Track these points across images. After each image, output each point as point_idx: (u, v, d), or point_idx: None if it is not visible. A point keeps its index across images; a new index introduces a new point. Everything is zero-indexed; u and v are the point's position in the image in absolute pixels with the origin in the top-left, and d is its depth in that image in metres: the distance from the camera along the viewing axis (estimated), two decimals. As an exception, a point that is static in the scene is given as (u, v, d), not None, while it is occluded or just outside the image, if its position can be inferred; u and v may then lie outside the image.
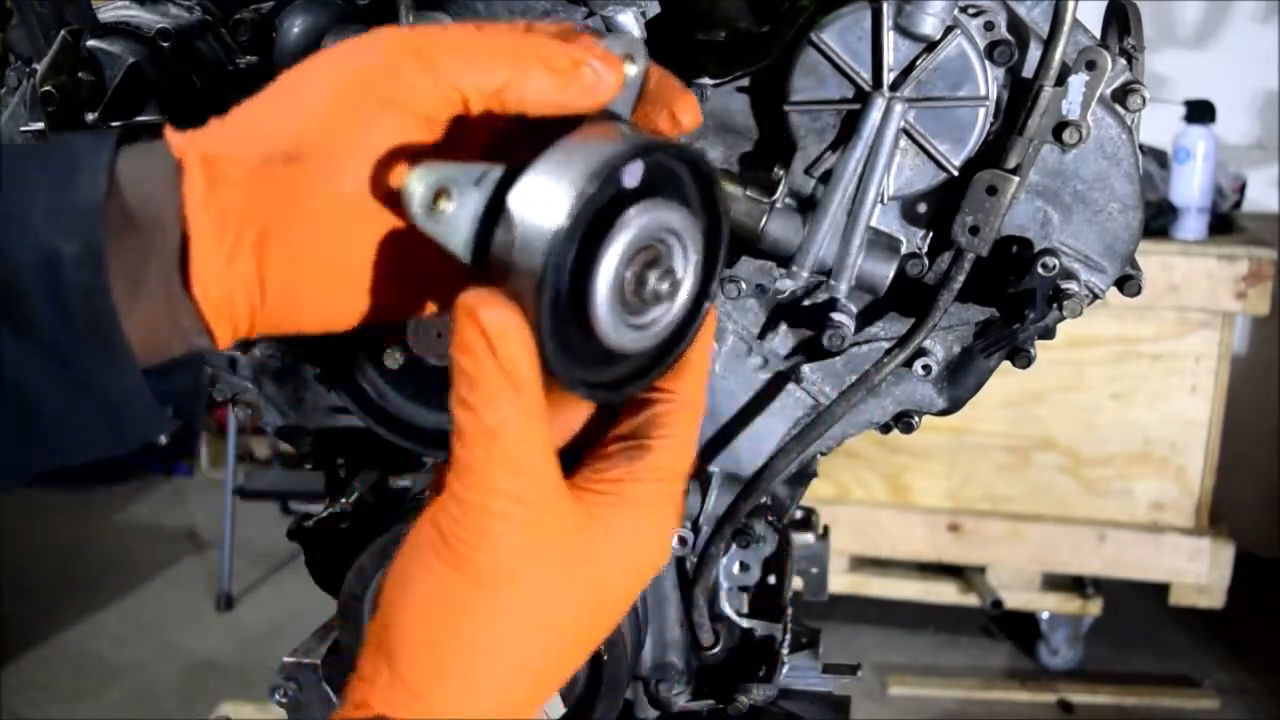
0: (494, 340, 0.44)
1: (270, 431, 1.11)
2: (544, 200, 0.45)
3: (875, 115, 0.86)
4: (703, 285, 0.51)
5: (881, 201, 0.88)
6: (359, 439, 1.10)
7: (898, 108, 0.86)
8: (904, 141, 0.88)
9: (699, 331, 0.52)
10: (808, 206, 0.92)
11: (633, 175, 0.47)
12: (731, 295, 0.96)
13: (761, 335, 0.98)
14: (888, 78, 0.86)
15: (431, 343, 0.97)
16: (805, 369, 0.96)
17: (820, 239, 0.90)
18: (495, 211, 0.46)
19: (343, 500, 1.10)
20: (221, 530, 3.42)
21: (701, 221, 0.50)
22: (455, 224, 0.46)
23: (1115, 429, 3.03)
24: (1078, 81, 0.89)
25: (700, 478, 1.04)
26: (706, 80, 0.91)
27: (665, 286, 0.48)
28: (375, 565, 1.05)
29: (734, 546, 1.03)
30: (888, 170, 0.87)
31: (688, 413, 0.52)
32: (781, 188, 0.90)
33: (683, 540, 1.03)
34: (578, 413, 0.53)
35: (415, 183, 0.46)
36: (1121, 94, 0.93)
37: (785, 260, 0.92)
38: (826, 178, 0.88)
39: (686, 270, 0.49)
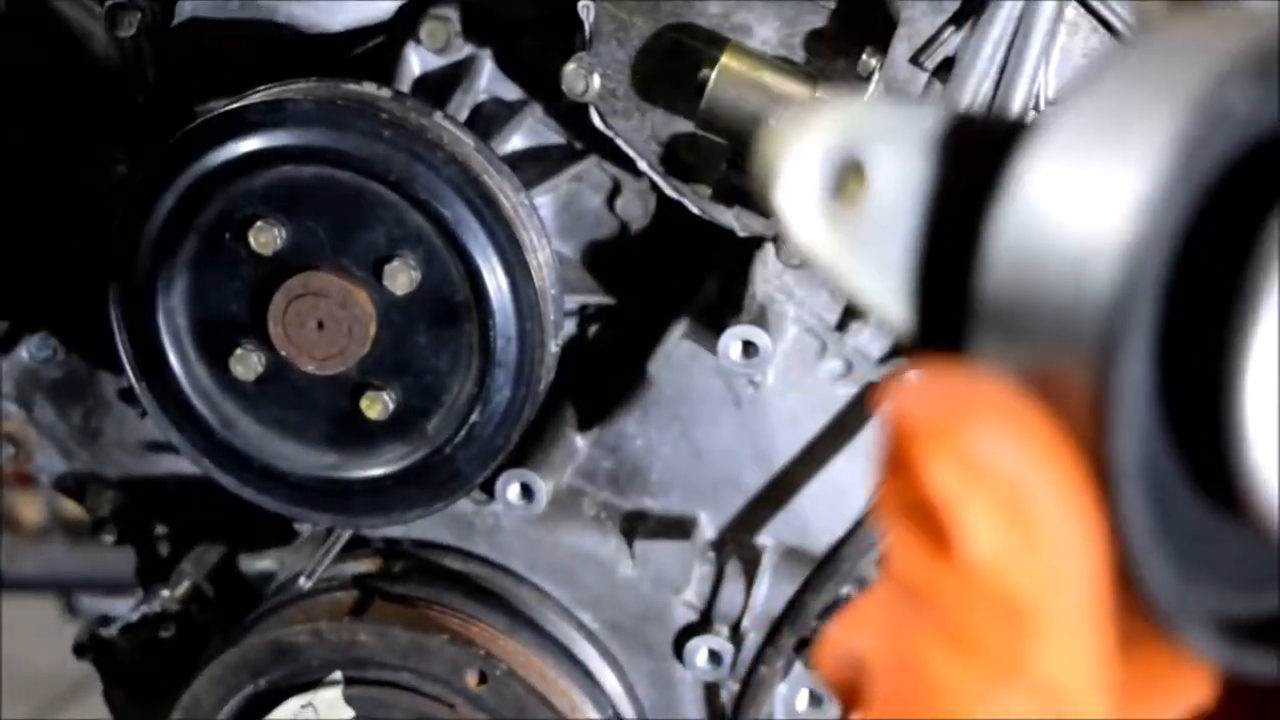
0: (979, 533, 0.30)
1: (47, 482, 1.10)
2: (1095, 178, 0.31)
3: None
4: None
5: (1036, 109, 0.86)
6: (190, 495, 1.08)
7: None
8: (1072, 10, 0.87)
9: None
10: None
11: (1254, 104, 0.32)
12: (793, 262, 0.95)
13: (841, 325, 0.97)
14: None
15: (308, 339, 0.93)
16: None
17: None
18: (976, 210, 0.32)
19: (164, 593, 1.07)
20: (-34, 642, 3.28)
21: None
22: (883, 240, 0.34)
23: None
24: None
25: (744, 554, 1.02)
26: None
27: None
28: (217, 700, 1.01)
29: (798, 665, 1.00)
30: (1046, 59, 0.85)
31: None
32: (874, 88, 0.88)
33: (715, 657, 1.01)
34: (1184, 694, 0.37)
35: (800, 148, 0.33)
36: None
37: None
38: (947, 69, 0.86)
39: None
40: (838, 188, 0.33)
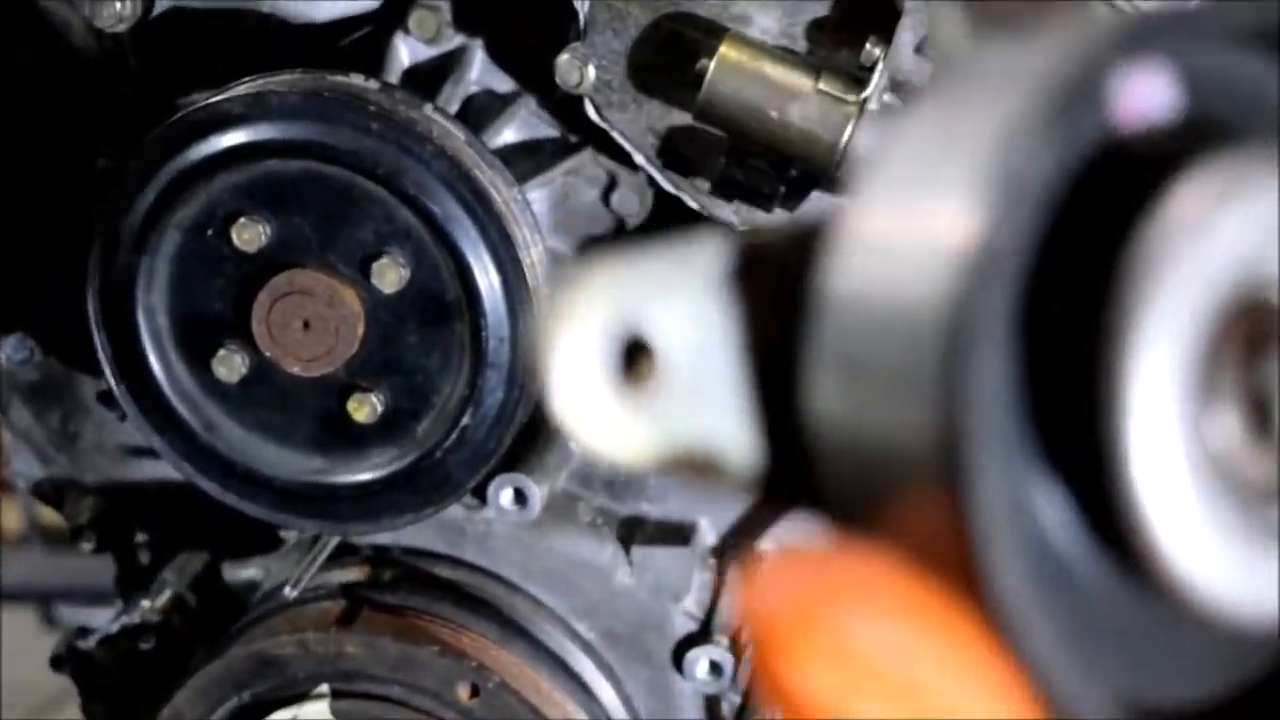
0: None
1: (24, 488, 1.11)
2: (902, 286, 0.28)
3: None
4: None
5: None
6: (172, 501, 1.08)
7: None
8: (1081, -1, 0.85)
9: None
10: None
11: (1146, 102, 0.29)
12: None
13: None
14: None
15: (293, 339, 0.93)
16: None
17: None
18: (789, 340, 0.30)
19: (145, 603, 1.07)
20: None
21: None
22: (696, 409, 0.31)
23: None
24: None
25: (746, 561, 1.03)
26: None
27: None
28: (200, 714, 1.01)
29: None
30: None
31: None
32: (878, 79, 0.88)
33: (716, 668, 1.00)
34: None
35: (566, 342, 0.30)
36: None
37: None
38: (954, 60, 0.84)
39: None
40: (626, 369, 0.30)
